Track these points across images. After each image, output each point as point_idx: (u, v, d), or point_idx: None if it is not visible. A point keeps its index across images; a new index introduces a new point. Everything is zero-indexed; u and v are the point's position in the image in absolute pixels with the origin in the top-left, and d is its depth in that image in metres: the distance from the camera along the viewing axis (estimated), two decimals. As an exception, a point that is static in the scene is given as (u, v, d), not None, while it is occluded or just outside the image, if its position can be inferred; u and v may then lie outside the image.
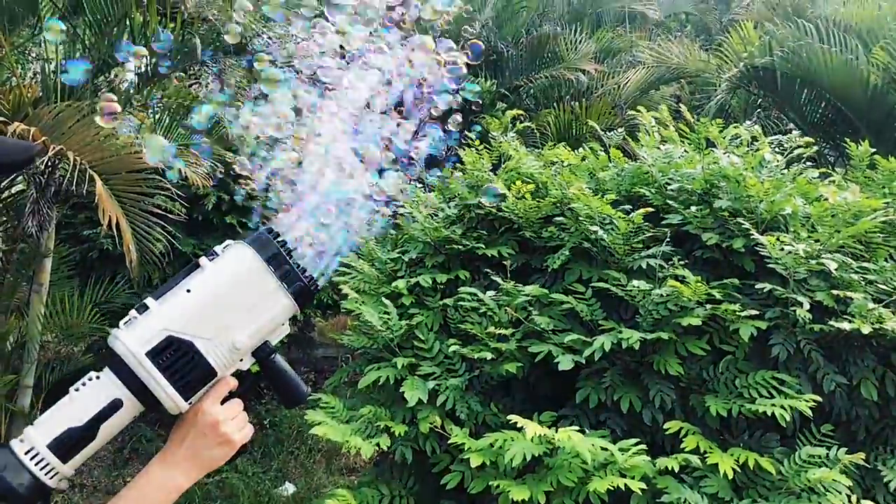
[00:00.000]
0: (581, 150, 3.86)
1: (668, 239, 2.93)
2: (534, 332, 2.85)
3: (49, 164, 4.52)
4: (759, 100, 8.05)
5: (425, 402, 2.75)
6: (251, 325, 1.15)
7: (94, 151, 4.21)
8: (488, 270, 3.06)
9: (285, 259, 1.17)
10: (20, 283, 5.38)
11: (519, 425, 2.45)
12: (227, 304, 1.13)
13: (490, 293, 2.93)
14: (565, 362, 2.64)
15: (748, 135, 3.59)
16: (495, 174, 3.59)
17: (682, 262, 2.83)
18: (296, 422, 6.14)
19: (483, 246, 3.20)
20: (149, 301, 1.11)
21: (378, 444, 2.65)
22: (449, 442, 2.65)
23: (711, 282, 2.78)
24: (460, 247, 3.23)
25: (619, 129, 3.96)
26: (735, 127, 3.67)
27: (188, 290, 1.12)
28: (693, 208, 2.98)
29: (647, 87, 8.34)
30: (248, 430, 1.19)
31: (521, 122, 3.93)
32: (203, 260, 1.15)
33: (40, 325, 4.98)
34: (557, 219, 3.11)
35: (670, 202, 3.07)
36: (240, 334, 1.13)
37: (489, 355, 2.74)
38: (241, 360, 1.18)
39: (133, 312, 1.11)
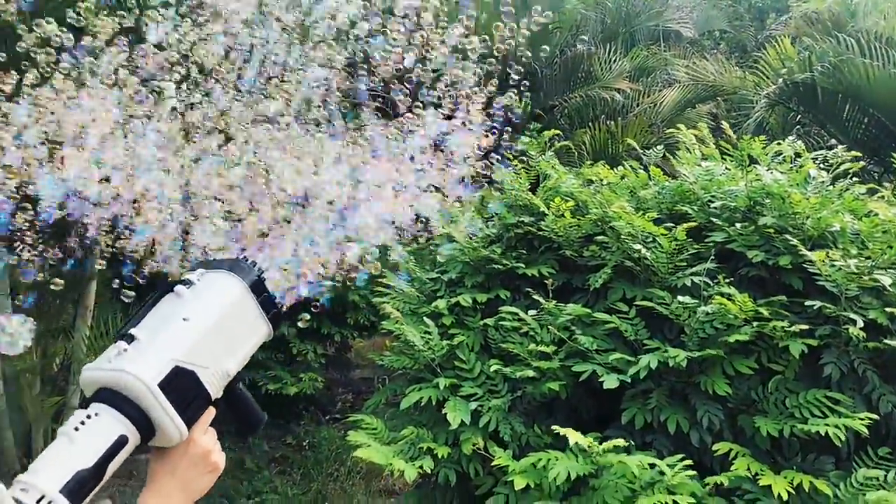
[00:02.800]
0: (620, 168, 3.83)
1: (712, 257, 2.89)
2: (577, 352, 2.82)
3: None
4: (799, 116, 7.93)
5: (468, 423, 2.73)
6: (240, 352, 1.15)
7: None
8: (529, 290, 3.04)
9: (264, 286, 1.18)
10: (66, 306, 5.49)
11: (562, 434, 2.42)
12: (221, 333, 1.12)
13: (531, 312, 2.91)
14: (610, 381, 2.60)
15: (791, 151, 3.54)
16: (534, 193, 3.58)
17: (727, 280, 2.78)
18: (335, 443, 6.13)
19: (523, 265, 3.19)
20: (135, 332, 1.07)
21: (421, 467, 2.63)
22: (493, 464, 2.63)
23: (758, 300, 2.72)
24: (500, 266, 3.22)
25: (658, 147, 3.93)
26: (778, 144, 3.62)
27: (185, 319, 1.09)
28: (737, 226, 2.94)
29: (683, 105, 8.26)
30: (223, 458, 1.18)
31: (558, 142, 3.91)
32: (180, 288, 1.12)
33: (85, 347, 5.07)
34: (598, 237, 3.09)
35: (714, 220, 3.03)
36: (231, 362, 1.13)
37: (532, 374, 2.71)
38: None
39: (122, 344, 1.06)
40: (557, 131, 3.98)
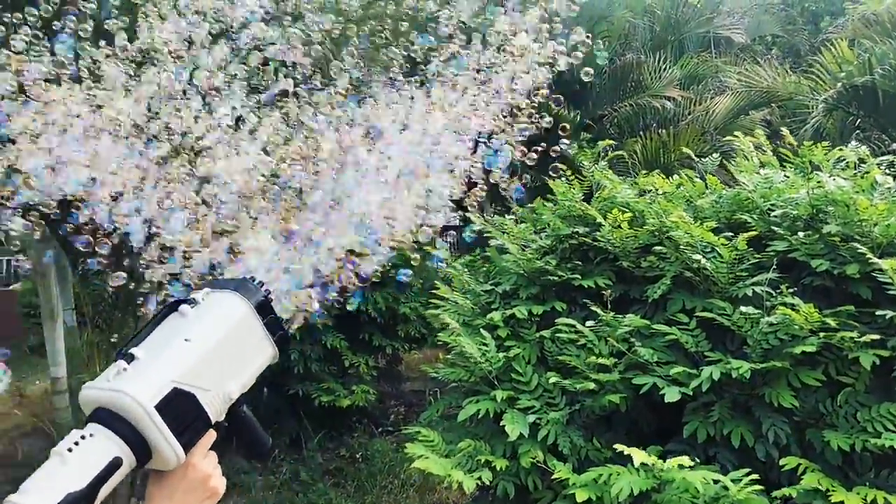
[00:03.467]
0: (675, 177, 3.78)
1: (774, 266, 2.82)
2: (636, 364, 2.78)
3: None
4: (859, 121, 7.71)
5: (526, 435, 2.71)
6: (243, 374, 1.12)
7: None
8: (586, 301, 3.01)
9: (270, 308, 1.16)
10: (127, 319, 5.65)
11: (626, 453, 2.38)
12: (224, 354, 1.10)
13: (589, 324, 2.88)
14: (671, 394, 2.56)
15: (854, 157, 3.44)
16: (588, 204, 3.56)
17: (790, 290, 2.71)
18: (388, 455, 6.16)
19: (579, 276, 3.17)
20: (136, 351, 1.04)
21: (480, 478, 2.62)
22: (552, 477, 2.60)
23: (823, 310, 2.64)
24: (555, 278, 3.20)
25: (714, 156, 3.86)
26: (840, 149, 3.52)
27: (186, 340, 1.07)
28: (800, 234, 2.86)
29: (736, 112, 8.13)
30: (224, 482, 1.16)
31: (611, 152, 3.88)
32: (184, 307, 1.10)
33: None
34: (656, 248, 3.05)
35: (775, 228, 2.96)
36: (233, 384, 1.10)
37: (591, 387, 2.68)
38: None
39: (121, 363, 1.03)
40: (610, 141, 3.95)
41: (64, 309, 6.07)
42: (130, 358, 1.03)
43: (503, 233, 3.58)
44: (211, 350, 1.08)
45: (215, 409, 1.08)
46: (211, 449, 1.12)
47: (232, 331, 1.11)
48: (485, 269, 3.56)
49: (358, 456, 6.39)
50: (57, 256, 5.68)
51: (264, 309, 1.15)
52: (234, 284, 1.16)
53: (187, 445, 1.04)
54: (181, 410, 1.03)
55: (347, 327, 6.84)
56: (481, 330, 3.00)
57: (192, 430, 1.05)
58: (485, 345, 2.93)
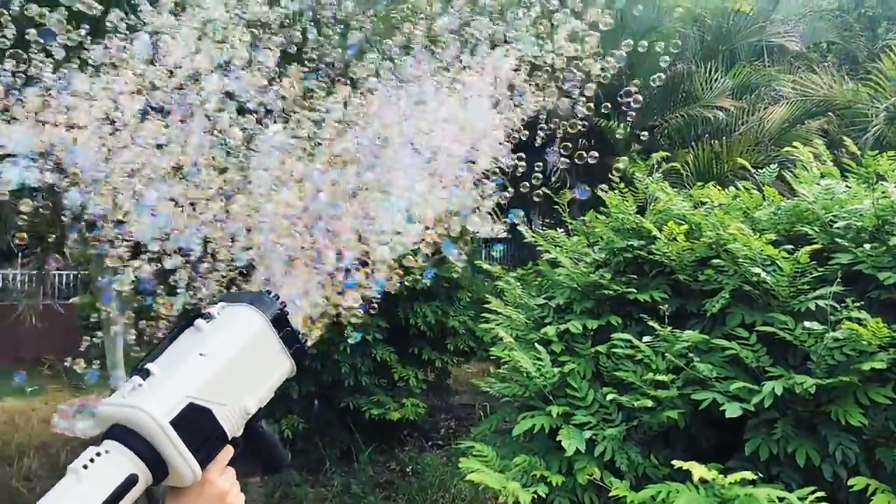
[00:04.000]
0: (731, 189, 3.71)
1: (837, 279, 2.74)
2: (695, 380, 2.73)
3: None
4: (921, 128, 7.47)
5: (582, 451, 2.68)
6: (260, 389, 1.11)
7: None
8: (643, 316, 2.97)
9: (287, 321, 1.15)
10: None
11: (685, 469, 2.33)
12: (240, 369, 1.09)
13: (646, 339, 2.84)
14: (733, 409, 2.50)
15: (921, 165, 3.33)
16: (642, 216, 3.51)
17: (856, 304, 2.63)
18: (438, 469, 6.15)
19: (634, 290, 3.12)
20: (151, 366, 1.03)
21: (536, 492, 2.60)
22: (610, 494, 2.56)
23: (892, 325, 2.56)
24: (610, 292, 3.17)
25: (772, 166, 3.78)
26: (905, 158, 3.41)
27: (201, 354, 1.06)
28: (866, 246, 2.78)
29: (792, 122, 7.95)
30: (242, 498, 1.14)
31: (665, 164, 3.83)
32: (200, 322, 1.09)
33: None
34: (713, 261, 2.99)
35: (838, 240, 2.88)
36: (250, 399, 1.09)
37: (649, 403, 2.64)
38: None
39: (136, 379, 1.02)
40: (665, 153, 3.90)
41: (121, 324, 6.24)
42: (146, 373, 1.02)
43: (555, 246, 3.56)
44: (226, 364, 1.07)
45: (232, 424, 1.07)
46: (228, 465, 1.10)
47: (248, 345, 1.11)
48: (537, 282, 3.54)
49: (408, 469, 6.41)
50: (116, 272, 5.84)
51: (280, 322, 1.14)
52: (249, 298, 1.16)
53: (204, 461, 1.03)
54: (197, 426, 1.02)
55: (397, 340, 6.89)
56: (535, 344, 2.98)
57: (208, 445, 1.04)
58: (539, 360, 2.92)
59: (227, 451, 1.09)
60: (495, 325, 3.34)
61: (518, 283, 3.55)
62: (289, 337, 1.14)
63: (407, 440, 6.91)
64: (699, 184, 3.76)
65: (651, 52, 8.36)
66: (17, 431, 7.49)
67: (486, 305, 3.62)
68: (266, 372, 1.13)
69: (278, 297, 1.17)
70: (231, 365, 1.08)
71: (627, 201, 3.51)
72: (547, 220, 7.45)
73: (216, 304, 1.14)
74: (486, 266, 4.18)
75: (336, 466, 6.51)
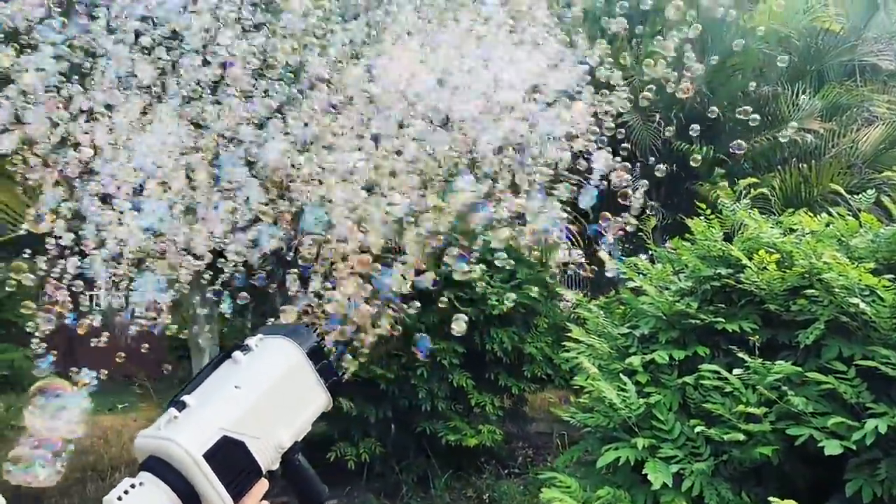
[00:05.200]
0: (824, 215, 3.57)
1: (946, 311, 2.60)
2: (788, 414, 2.62)
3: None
4: None
5: (670, 485, 2.60)
6: (295, 422, 1.10)
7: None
8: (731, 347, 2.88)
9: (323, 353, 1.15)
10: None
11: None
12: (275, 402, 1.08)
13: (736, 371, 2.74)
14: (832, 447, 2.38)
15: None
16: (729, 243, 3.42)
17: (967, 338, 2.48)
18: (516, 498, 6.07)
19: (722, 320, 3.03)
20: (187, 398, 1.04)
21: (621, 528, 2.53)
22: (699, 531, 2.48)
23: None
24: (696, 321, 3.08)
25: (869, 191, 3.62)
26: None
27: (236, 387, 1.06)
28: (977, 276, 2.62)
29: (888, 143, 7.59)
30: None
31: (754, 189, 3.72)
32: (237, 354, 1.10)
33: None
34: (807, 291, 2.88)
35: (945, 269, 2.74)
36: (284, 432, 1.08)
37: (740, 437, 2.55)
38: None
39: (173, 411, 1.02)
40: (754, 179, 3.79)
41: (209, 343, 6.46)
42: (182, 406, 1.03)
43: (640, 273, 3.50)
44: (261, 397, 1.07)
45: (266, 458, 1.06)
46: (263, 498, 1.09)
47: (283, 378, 1.10)
48: (621, 311, 3.48)
49: (485, 497, 6.34)
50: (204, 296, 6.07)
51: (317, 355, 1.14)
52: (287, 330, 1.16)
53: (237, 495, 1.02)
54: (230, 459, 1.01)
55: (474, 366, 6.86)
56: (620, 375, 2.92)
57: (241, 478, 1.03)
58: (624, 390, 2.86)
59: (262, 485, 1.08)
60: (577, 353, 3.30)
61: (600, 312, 3.49)
62: (325, 370, 1.14)
63: (483, 467, 6.85)
64: (789, 210, 3.63)
65: (733, 74, 8.19)
66: (109, 446, 7.81)
67: (567, 333, 3.58)
68: (301, 405, 1.12)
69: (315, 330, 1.21)
70: (265, 398, 1.08)
71: (714, 228, 3.43)
72: (627, 246, 7.32)
73: (255, 335, 1.15)
74: (565, 293, 4.15)
75: (413, 492, 6.51)
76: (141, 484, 0.98)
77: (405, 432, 6.75)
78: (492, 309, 6.44)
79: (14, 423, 7.42)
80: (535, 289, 7.22)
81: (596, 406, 3.14)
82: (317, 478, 1.17)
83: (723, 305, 3.13)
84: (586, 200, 3.01)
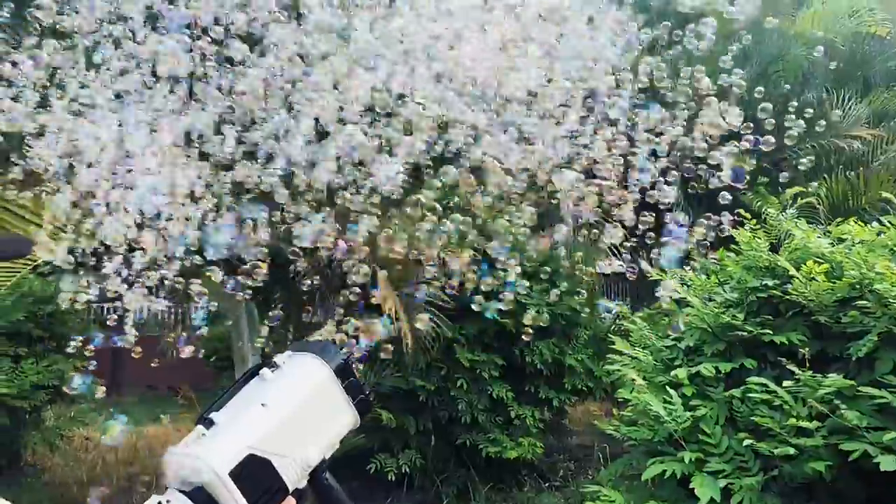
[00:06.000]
0: (874, 224, 3.49)
1: None
2: (840, 428, 2.55)
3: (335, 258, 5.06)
4: None
5: (718, 500, 2.55)
6: (321, 440, 1.10)
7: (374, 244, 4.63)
8: (780, 359, 2.82)
9: (351, 371, 1.14)
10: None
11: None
12: (302, 420, 1.08)
13: (786, 384, 2.69)
14: (888, 463, 2.32)
15: None
16: (775, 253, 3.36)
17: None
18: (558, 513, 6.02)
19: (770, 332, 2.98)
20: (215, 416, 1.05)
21: (668, 544, 2.50)
22: (749, 548, 2.43)
23: None
24: (743, 333, 3.03)
25: (921, 199, 3.53)
26: None
27: (263, 405, 1.06)
28: None
29: (939, 150, 7.41)
30: None
31: (801, 199, 3.66)
32: (265, 371, 1.10)
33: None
34: (858, 302, 2.81)
35: None
36: (311, 450, 1.08)
37: (790, 451, 2.49)
38: None
39: (200, 428, 1.03)
40: (801, 188, 3.73)
41: (252, 355, 6.55)
42: (210, 423, 1.04)
43: (684, 284, 3.46)
44: (288, 415, 1.07)
45: (293, 476, 1.05)
46: None
47: (310, 395, 1.11)
48: (665, 322, 3.44)
49: (527, 510, 6.30)
50: (248, 306, 6.16)
51: (345, 373, 1.14)
52: (315, 348, 1.15)
53: None
54: (257, 477, 1.01)
55: (513, 378, 6.83)
56: (667, 388, 2.88)
57: (267, 497, 1.03)
58: (669, 403, 2.82)
59: (289, 503, 1.07)
60: (621, 366, 3.26)
61: (644, 324, 3.46)
62: (352, 387, 1.14)
63: (524, 480, 6.80)
64: (838, 220, 3.55)
65: (776, 81, 8.06)
66: (155, 457, 7.94)
67: (611, 346, 3.55)
68: (328, 423, 1.12)
69: (342, 347, 1.21)
70: (292, 416, 1.08)
71: (759, 238, 3.37)
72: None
73: (283, 352, 1.15)
74: (608, 304, 4.12)
75: (453, 504, 6.50)
76: (168, 501, 0.99)
77: (445, 444, 6.74)
78: (534, 322, 6.40)
79: (63, 432, 7.60)
80: (575, 299, 7.20)
81: (640, 419, 3.10)
82: (344, 495, 1.17)
83: (770, 317, 3.07)
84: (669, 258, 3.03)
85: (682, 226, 2.69)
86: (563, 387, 7.08)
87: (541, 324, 6.19)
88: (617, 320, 6.57)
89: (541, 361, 6.78)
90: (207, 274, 2.88)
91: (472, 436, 6.55)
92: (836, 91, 8.16)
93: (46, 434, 7.41)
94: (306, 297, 6.27)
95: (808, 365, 2.80)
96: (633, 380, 2.93)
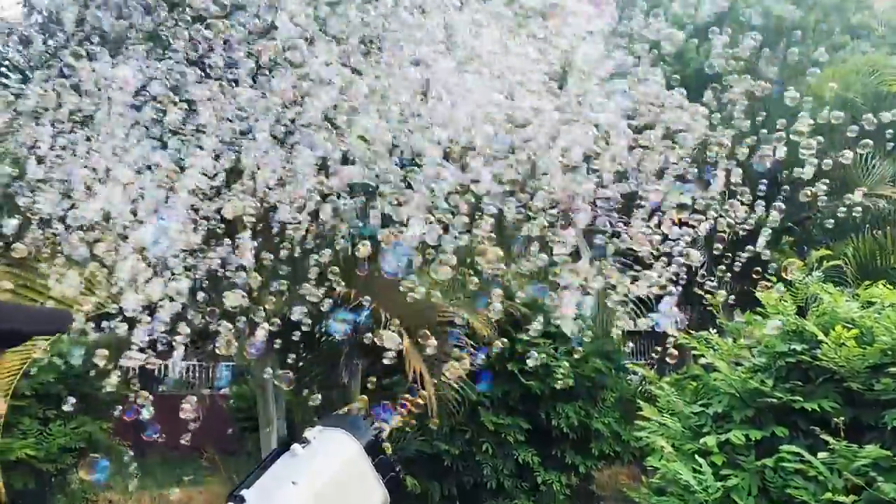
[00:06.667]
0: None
1: None
2: (878, 501, 2.48)
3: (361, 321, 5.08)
4: None
5: (753, 577, 2.47)
6: None
7: (400, 308, 4.65)
8: (814, 427, 2.76)
9: (381, 448, 1.14)
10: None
11: None
12: (331, 497, 1.08)
13: (821, 455, 2.62)
14: (928, 540, 2.24)
15: None
16: (803, 317, 3.32)
17: None
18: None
19: (800, 398, 2.92)
20: (246, 493, 1.04)
21: None
22: None
23: None
24: (773, 399, 2.98)
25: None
26: None
27: (294, 483, 1.06)
28: None
29: (970, 206, 7.30)
30: None
31: (826, 261, 3.63)
32: (296, 446, 1.10)
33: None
34: (891, 368, 2.76)
35: None
36: None
37: (827, 527, 2.42)
38: None
39: None
40: (826, 251, 3.70)
41: (277, 418, 6.52)
42: (241, 501, 1.03)
43: (710, 348, 3.42)
44: (318, 493, 1.06)
45: None
46: None
47: (339, 473, 1.10)
48: (692, 387, 3.39)
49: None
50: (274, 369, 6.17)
51: (374, 449, 1.14)
52: (345, 423, 1.16)
53: None
54: None
55: (539, 442, 6.72)
56: (697, 457, 2.83)
57: None
58: (700, 472, 2.76)
59: None
60: (649, 433, 3.21)
61: (672, 390, 3.41)
62: (382, 465, 1.14)
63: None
64: (866, 283, 3.50)
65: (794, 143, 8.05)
66: (177, 522, 7.86)
67: (636, 409, 3.50)
68: (358, 500, 1.12)
69: (373, 422, 1.18)
70: (322, 494, 1.07)
71: (786, 301, 3.34)
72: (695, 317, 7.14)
73: (314, 427, 1.15)
74: (633, 367, 4.07)
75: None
76: None
77: (471, 510, 6.61)
78: (555, 382, 6.33)
79: (88, 496, 7.56)
80: (600, 361, 7.09)
81: (669, 487, 3.03)
82: None
83: (799, 382, 3.01)
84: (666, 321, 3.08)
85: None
86: (589, 451, 6.94)
87: (567, 386, 6.13)
88: (643, 383, 6.47)
89: (567, 425, 6.67)
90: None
91: (497, 502, 6.42)
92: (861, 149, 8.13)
93: (72, 497, 7.37)
94: (332, 359, 6.28)
95: (842, 434, 2.73)
96: (662, 447, 2.87)
